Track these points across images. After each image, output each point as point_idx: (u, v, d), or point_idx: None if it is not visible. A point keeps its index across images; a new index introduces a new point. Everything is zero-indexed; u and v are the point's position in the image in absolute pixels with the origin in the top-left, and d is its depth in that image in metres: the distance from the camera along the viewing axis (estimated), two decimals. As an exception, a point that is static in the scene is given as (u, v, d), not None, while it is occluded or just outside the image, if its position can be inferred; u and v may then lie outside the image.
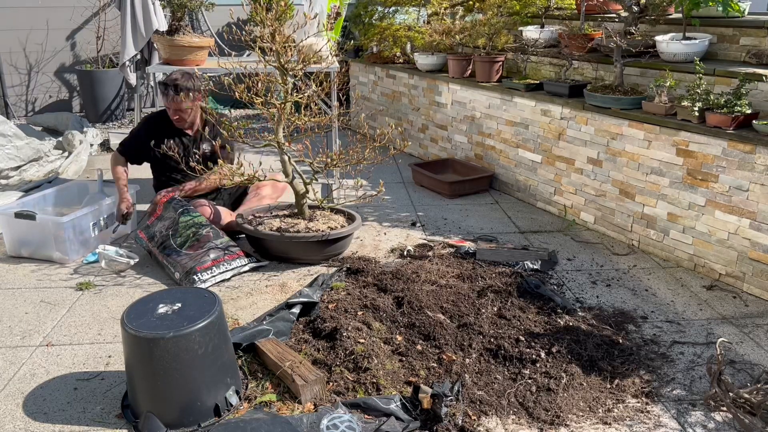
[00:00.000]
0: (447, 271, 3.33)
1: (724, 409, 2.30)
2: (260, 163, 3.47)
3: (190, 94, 3.72)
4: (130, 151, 3.93)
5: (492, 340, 2.69)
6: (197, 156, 3.74)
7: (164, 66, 4.83)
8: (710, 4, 3.54)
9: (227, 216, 3.78)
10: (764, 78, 3.28)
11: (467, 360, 2.57)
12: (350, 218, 3.68)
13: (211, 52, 5.01)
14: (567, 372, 2.48)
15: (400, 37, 5.80)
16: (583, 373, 2.50)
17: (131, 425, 2.21)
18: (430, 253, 3.59)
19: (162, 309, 2.23)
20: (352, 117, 6.45)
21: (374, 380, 2.39)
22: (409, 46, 5.94)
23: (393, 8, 6.23)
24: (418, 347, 2.65)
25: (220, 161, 3.38)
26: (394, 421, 2.19)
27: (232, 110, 7.31)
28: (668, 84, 3.54)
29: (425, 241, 3.85)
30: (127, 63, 5.59)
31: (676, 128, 3.44)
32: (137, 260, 3.47)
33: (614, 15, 4.40)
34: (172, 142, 3.82)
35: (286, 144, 3.43)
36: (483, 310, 2.91)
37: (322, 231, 3.43)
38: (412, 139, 5.89)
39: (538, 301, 3.05)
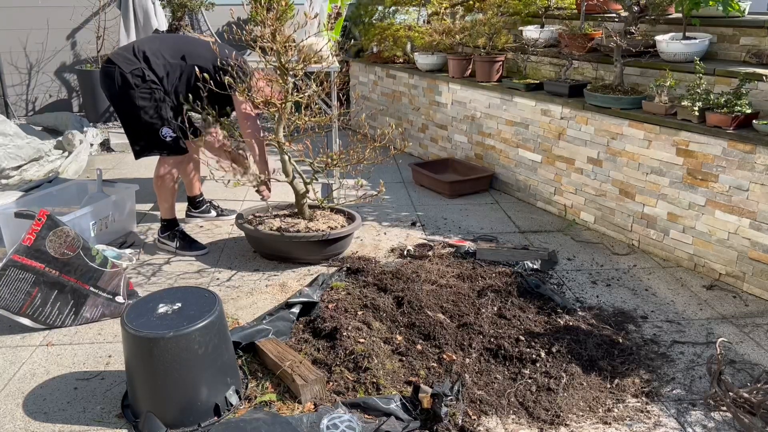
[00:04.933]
0: (447, 270, 3.33)
1: (724, 408, 2.31)
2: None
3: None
4: None
5: (492, 339, 2.69)
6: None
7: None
8: (710, 3, 3.53)
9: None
10: (764, 78, 3.28)
11: (467, 360, 2.57)
12: (350, 218, 3.68)
13: None
14: (567, 372, 2.48)
15: (400, 37, 5.79)
16: (583, 372, 2.50)
17: (131, 425, 2.21)
18: (430, 253, 3.59)
19: (162, 309, 2.23)
20: (353, 117, 6.45)
21: (374, 380, 2.39)
22: (409, 45, 5.94)
23: (393, 8, 6.23)
24: (418, 347, 2.65)
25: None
26: (394, 420, 2.20)
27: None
28: (668, 84, 3.54)
29: (425, 241, 3.85)
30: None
31: (676, 128, 3.44)
32: (137, 260, 3.47)
33: (614, 15, 4.39)
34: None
35: (287, 144, 3.43)
36: (483, 310, 2.91)
37: (322, 231, 3.43)
38: (412, 138, 5.89)
39: (538, 300, 3.05)
